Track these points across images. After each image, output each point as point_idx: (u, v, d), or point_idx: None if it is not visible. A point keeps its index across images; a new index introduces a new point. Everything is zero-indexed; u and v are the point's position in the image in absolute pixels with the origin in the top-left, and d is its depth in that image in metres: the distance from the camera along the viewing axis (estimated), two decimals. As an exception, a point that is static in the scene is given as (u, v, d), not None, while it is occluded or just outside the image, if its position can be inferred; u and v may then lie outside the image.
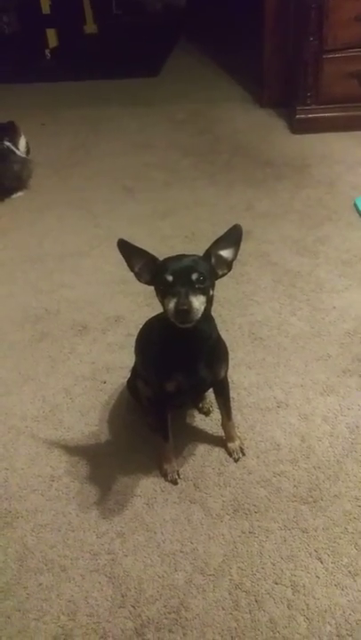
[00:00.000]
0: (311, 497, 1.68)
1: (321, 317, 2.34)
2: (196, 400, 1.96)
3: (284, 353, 2.19)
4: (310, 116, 3.86)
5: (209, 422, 1.95)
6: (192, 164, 3.65)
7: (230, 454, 1.81)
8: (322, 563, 1.53)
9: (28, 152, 3.57)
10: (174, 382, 1.58)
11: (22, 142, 3.55)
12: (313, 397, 2.00)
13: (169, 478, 1.75)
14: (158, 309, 1.52)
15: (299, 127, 3.87)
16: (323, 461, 1.78)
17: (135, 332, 2.22)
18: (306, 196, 3.19)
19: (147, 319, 1.85)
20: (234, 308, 2.40)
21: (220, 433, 1.87)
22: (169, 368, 1.58)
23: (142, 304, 2.47)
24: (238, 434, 1.85)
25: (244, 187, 3.34)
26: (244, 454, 1.81)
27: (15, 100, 4.87)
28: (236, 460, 1.80)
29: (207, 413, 1.97)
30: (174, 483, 1.75)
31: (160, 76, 5.22)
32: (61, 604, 1.49)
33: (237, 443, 1.82)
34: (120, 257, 1.50)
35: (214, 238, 1.49)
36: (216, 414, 1.94)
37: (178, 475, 1.76)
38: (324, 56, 3.70)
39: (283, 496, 1.69)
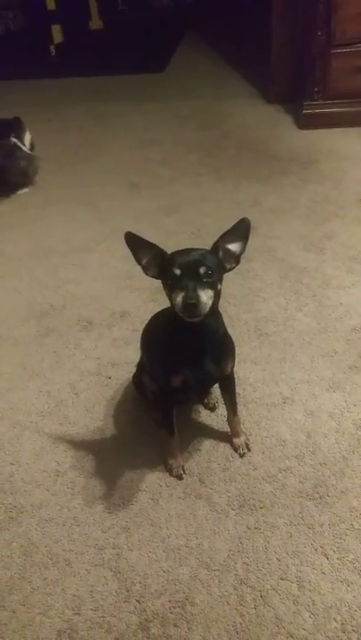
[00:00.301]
0: (317, 493, 1.67)
1: (327, 313, 2.33)
2: (201, 395, 1.95)
3: (290, 349, 2.18)
4: (317, 111, 3.85)
5: (214, 418, 1.94)
6: (198, 160, 3.64)
7: (236, 450, 1.81)
8: (328, 559, 1.52)
9: (32, 148, 3.57)
10: (180, 377, 1.58)
11: (27, 138, 3.55)
12: (319, 393, 1.99)
13: (174, 473, 1.75)
14: (164, 305, 1.51)
15: (306, 122, 3.86)
16: (329, 458, 1.77)
17: (141, 328, 2.22)
18: (313, 191, 3.18)
19: (152, 314, 1.85)
20: (240, 304, 2.40)
21: (226, 428, 1.86)
22: (175, 363, 1.57)
23: (148, 300, 2.47)
24: (244, 429, 1.84)
25: (251, 182, 3.32)
26: (249, 450, 1.81)
27: (20, 96, 4.88)
28: (241, 456, 1.79)
29: (213, 409, 1.96)
30: (179, 478, 1.74)
31: (166, 71, 5.23)
32: (66, 599, 1.49)
33: (243, 438, 1.82)
34: (126, 252, 1.50)
35: (220, 234, 1.48)
36: (222, 410, 1.93)
37: (183, 470, 1.76)
38: (332, 51, 3.71)
39: (288, 492, 1.68)
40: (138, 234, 1.48)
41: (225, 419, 1.87)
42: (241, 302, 2.41)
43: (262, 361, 2.13)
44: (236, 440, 1.82)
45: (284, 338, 2.23)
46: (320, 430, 1.86)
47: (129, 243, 1.47)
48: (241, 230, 1.47)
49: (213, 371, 1.59)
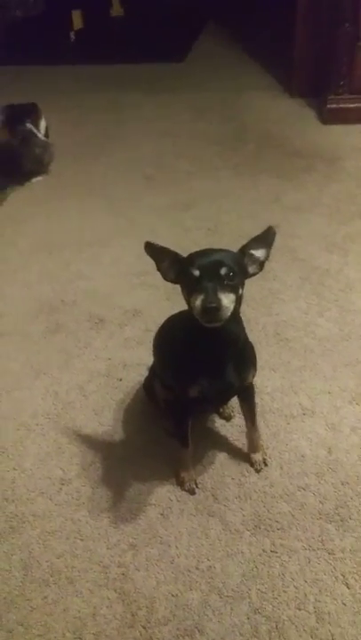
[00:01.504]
0: (338, 515, 1.56)
1: (351, 319, 2.21)
2: (218, 406, 1.84)
3: (310, 356, 2.07)
4: (342, 105, 3.71)
5: (230, 428, 1.83)
6: (217, 154, 3.51)
7: (252, 465, 1.70)
8: (349, 588, 1.41)
9: (47, 135, 3.45)
10: (198, 387, 1.47)
11: (43, 125, 3.44)
12: (341, 405, 1.87)
13: (186, 488, 1.65)
14: (179, 304, 1.41)
15: (330, 117, 3.71)
16: (351, 476, 1.66)
17: (154, 328, 2.11)
18: (336, 189, 3.05)
19: (166, 314, 1.74)
20: (258, 307, 2.28)
21: (242, 440, 1.76)
22: (192, 372, 1.46)
23: (162, 298, 2.36)
24: (262, 443, 1.73)
25: (271, 178, 3.20)
26: (266, 465, 1.70)
27: (38, 82, 4.77)
28: (257, 472, 1.69)
29: (228, 418, 1.86)
30: (192, 493, 1.64)
31: (186, 61, 5.08)
32: (67, 620, 1.40)
33: (261, 454, 1.71)
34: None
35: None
36: (238, 420, 1.83)
37: (196, 484, 1.66)
38: (359, 43, 3.54)
39: (307, 512, 1.58)
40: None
41: (241, 429, 1.76)
42: (259, 304, 2.29)
43: (281, 368, 2.02)
44: (253, 455, 1.71)
45: (304, 344, 2.12)
46: (342, 446, 1.75)
47: (149, 251, 1.40)
48: (267, 238, 1.39)
49: (234, 381, 1.48)
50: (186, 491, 1.64)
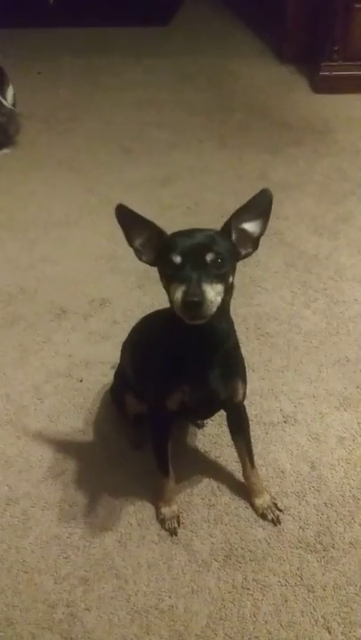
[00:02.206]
0: (320, 543, 1.37)
1: (340, 311, 2.00)
2: (201, 419, 1.61)
3: (294, 354, 1.86)
4: (336, 73, 3.48)
5: (201, 438, 1.63)
6: (200, 124, 3.26)
7: (263, 516, 1.42)
8: (330, 633, 1.23)
9: (14, 104, 3.17)
10: (179, 396, 1.24)
11: (10, 92, 3.16)
12: (327, 412, 1.67)
13: (167, 526, 1.41)
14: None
15: (322, 86, 3.48)
16: (336, 496, 1.46)
17: (122, 320, 1.92)
18: (327, 165, 2.82)
19: (137, 305, 1.53)
20: (238, 296, 2.00)
21: (215, 452, 1.55)
22: (172, 378, 1.23)
23: (133, 285, 2.14)
24: (266, 484, 1.48)
25: (258, 152, 2.96)
26: (280, 511, 1.43)
27: (12, 46, 4.42)
28: (275, 523, 1.40)
29: (199, 426, 1.65)
30: (173, 533, 1.40)
31: (171, 25, 4.78)
32: (3, 672, 1.21)
33: (268, 498, 1.44)
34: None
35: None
36: (210, 429, 1.63)
37: (178, 522, 1.41)
38: (356, 5, 3.30)
39: (285, 540, 1.38)
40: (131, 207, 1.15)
41: (214, 439, 1.56)
42: (238, 293, 2.03)
43: (261, 368, 1.81)
44: (257, 501, 1.43)
45: (287, 340, 1.91)
46: (327, 460, 1.55)
47: (121, 219, 1.15)
48: (261, 205, 1.14)
49: (220, 389, 1.25)
50: (166, 530, 1.41)
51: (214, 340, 1.19)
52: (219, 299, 1.07)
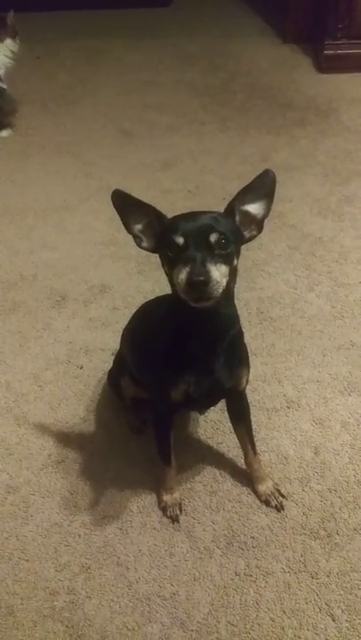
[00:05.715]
0: (324, 530, 1.35)
1: (344, 295, 1.97)
2: (204, 410, 1.56)
3: (298, 338, 1.83)
4: (340, 52, 3.40)
5: (203, 424, 1.61)
6: (201, 106, 3.20)
7: (266, 503, 1.40)
8: (334, 620, 1.21)
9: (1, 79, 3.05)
10: (183, 387, 1.20)
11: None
12: (331, 397, 1.65)
13: (168, 514, 1.39)
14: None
15: (326, 65, 3.41)
16: (340, 482, 1.44)
17: (122, 306, 1.89)
18: (332, 145, 2.76)
19: (137, 291, 1.50)
20: (240, 280, 1.93)
21: (217, 439, 1.53)
22: (177, 368, 1.20)
23: (133, 271, 2.10)
24: (268, 470, 1.46)
25: (261, 133, 2.91)
26: (284, 497, 1.41)
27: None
28: (278, 510, 1.39)
29: (202, 412, 1.62)
30: (175, 520, 1.39)
31: (172, 5, 4.69)
32: (4, 660, 1.20)
33: (270, 484, 1.42)
34: (112, 213, 1.13)
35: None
36: (212, 415, 1.60)
37: (180, 510, 1.40)
38: (361, -20, 3.21)
39: (288, 527, 1.36)
40: (128, 192, 1.12)
41: (216, 426, 1.54)
42: (241, 277, 1.96)
43: (264, 352, 1.79)
44: (261, 487, 1.42)
45: (291, 324, 1.88)
46: (331, 445, 1.52)
47: (118, 204, 1.11)
48: (264, 186, 1.11)
49: (224, 380, 1.22)
50: (168, 517, 1.39)
51: (219, 326, 1.15)
52: (224, 281, 1.03)
